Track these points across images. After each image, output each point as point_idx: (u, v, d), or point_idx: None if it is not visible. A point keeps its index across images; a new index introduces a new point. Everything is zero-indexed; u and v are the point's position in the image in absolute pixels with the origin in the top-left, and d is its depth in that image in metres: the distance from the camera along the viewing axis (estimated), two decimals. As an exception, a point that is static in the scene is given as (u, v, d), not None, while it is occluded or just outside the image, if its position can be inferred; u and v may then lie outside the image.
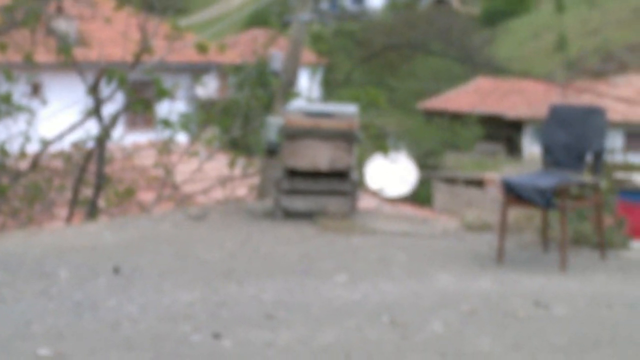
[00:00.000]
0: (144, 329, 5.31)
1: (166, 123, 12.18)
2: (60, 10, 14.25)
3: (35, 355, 4.77)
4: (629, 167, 21.49)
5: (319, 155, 8.80)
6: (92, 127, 11.74)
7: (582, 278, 6.93)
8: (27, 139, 11.51)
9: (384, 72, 46.95)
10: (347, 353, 4.91)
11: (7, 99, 11.38)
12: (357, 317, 5.62)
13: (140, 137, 15.87)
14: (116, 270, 6.54)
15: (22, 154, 11.56)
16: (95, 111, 11.62)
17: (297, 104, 9.85)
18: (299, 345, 5.05)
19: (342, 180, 8.87)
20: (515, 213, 8.46)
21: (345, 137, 8.80)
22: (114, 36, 14.47)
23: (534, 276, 6.91)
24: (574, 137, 7.49)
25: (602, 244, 7.63)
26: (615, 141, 34.95)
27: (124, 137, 12.60)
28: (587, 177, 7.41)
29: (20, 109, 11.54)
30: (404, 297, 6.15)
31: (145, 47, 12.12)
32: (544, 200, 7.06)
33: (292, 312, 5.73)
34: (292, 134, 8.82)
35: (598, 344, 5.22)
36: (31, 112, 11.60)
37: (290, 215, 8.87)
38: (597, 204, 7.51)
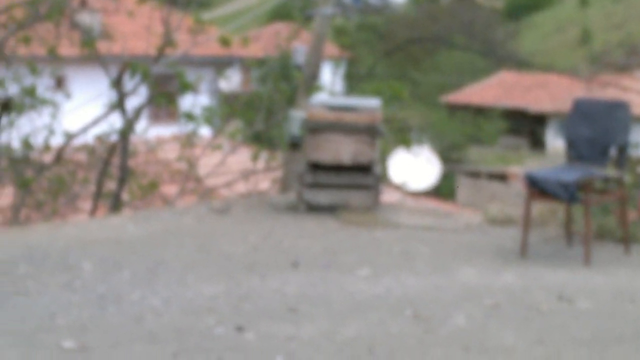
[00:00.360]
0: (168, 322, 5.32)
1: (189, 116, 12.20)
2: (84, 4, 14.30)
3: (59, 347, 4.80)
4: (654, 162, 21.37)
5: (342, 149, 8.80)
6: (115, 121, 11.78)
7: (606, 272, 6.90)
8: (51, 132, 11.55)
9: (407, 65, 46.93)
10: (370, 347, 4.92)
11: (31, 92, 11.42)
12: (380, 311, 5.63)
13: (164, 131, 15.92)
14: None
15: (46, 147, 11.61)
16: (118, 104, 11.66)
17: (320, 97, 9.86)
18: (322, 338, 5.05)
19: (365, 174, 8.87)
20: (539, 207, 8.43)
21: (368, 131, 8.79)
22: (137, 30, 14.50)
23: (558, 270, 6.89)
24: (597, 131, 7.47)
25: (626, 239, 7.59)
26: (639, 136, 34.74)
27: (147, 131, 12.63)
28: (611, 172, 7.38)
29: (44, 102, 11.58)
30: (427, 291, 6.15)
31: (168, 41, 12.14)
32: (567, 194, 7.03)
33: (315, 305, 5.73)
34: (315, 128, 8.82)
35: (621, 339, 5.20)
36: (55, 106, 11.64)
37: (313, 208, 8.87)
38: (621, 198, 7.48)
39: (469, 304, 5.82)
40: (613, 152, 7.44)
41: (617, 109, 7.51)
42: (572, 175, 7.12)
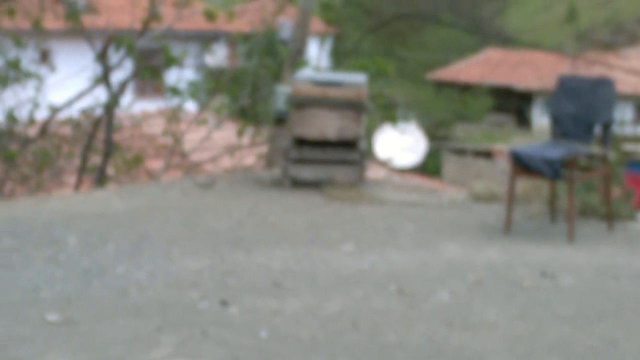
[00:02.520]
0: (152, 296, 5.33)
1: (175, 91, 12.16)
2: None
3: (43, 320, 4.80)
4: (639, 139, 21.43)
5: (327, 125, 8.79)
6: (100, 95, 11.73)
7: (589, 249, 6.93)
8: (36, 105, 11.51)
9: (393, 42, 46.86)
10: (354, 322, 4.93)
11: (15, 65, 11.38)
12: (365, 286, 5.64)
13: (149, 105, 15.87)
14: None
15: (31, 121, 11.57)
16: (103, 78, 11.62)
17: (305, 72, 9.85)
18: (306, 313, 5.06)
19: (350, 150, 8.87)
20: (523, 184, 8.45)
21: (353, 107, 8.79)
22: (122, 3, 14.46)
23: (541, 247, 6.92)
24: (582, 108, 7.47)
25: (610, 216, 7.62)
26: (625, 113, 34.88)
27: (132, 105, 12.60)
28: (595, 149, 7.40)
29: (28, 75, 11.53)
30: (411, 267, 6.17)
31: (153, 14, 12.08)
32: (551, 171, 7.05)
33: (300, 280, 5.74)
34: (301, 103, 8.81)
35: (604, 315, 5.23)
36: (40, 79, 11.59)
37: (298, 184, 8.88)
38: (605, 176, 7.50)
39: (453, 279, 5.84)
40: (598, 129, 7.46)
41: (602, 86, 7.51)
42: (556, 152, 7.13)
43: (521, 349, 4.62)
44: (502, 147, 27.22)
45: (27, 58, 11.72)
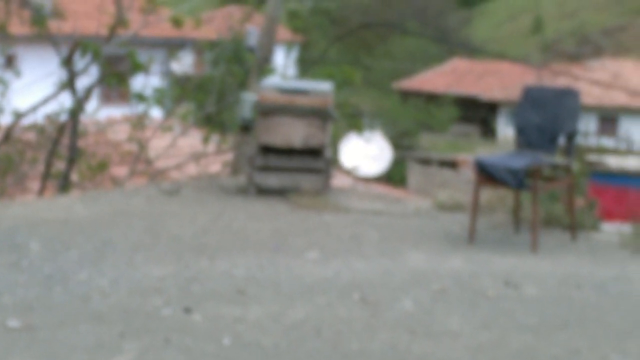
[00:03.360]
0: (115, 303, 5.30)
1: (140, 97, 12.12)
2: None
3: (4, 326, 4.76)
4: (602, 151, 21.61)
5: (293, 132, 8.79)
6: (65, 100, 11.67)
7: (553, 259, 6.97)
8: (0, 110, 11.43)
9: (359, 51, 46.99)
10: (317, 329, 4.93)
11: (-20, 69, 11.31)
12: (328, 294, 5.63)
13: (115, 112, 15.82)
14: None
15: (-5, 126, 11.50)
16: (69, 84, 11.56)
17: (271, 80, 9.84)
18: (270, 320, 5.05)
19: (316, 158, 8.87)
20: (488, 193, 8.49)
21: (319, 115, 8.79)
22: (89, 9, 14.39)
23: (505, 256, 6.95)
24: (547, 119, 7.52)
25: (573, 226, 7.67)
26: (589, 125, 35.13)
27: (98, 111, 12.54)
28: (559, 159, 7.44)
29: (-7, 80, 11.46)
30: (375, 275, 6.17)
31: (120, 20, 12.04)
32: (516, 180, 7.08)
33: (263, 288, 5.73)
34: (267, 111, 8.80)
35: (567, 324, 5.25)
36: (4, 84, 11.52)
37: (263, 191, 8.87)
38: (568, 186, 7.55)
39: (417, 288, 5.85)
40: (562, 139, 7.50)
41: (567, 96, 7.56)
42: (520, 162, 7.17)
43: (484, 358, 4.63)
44: (466, 157, 27.35)
45: (-8, 63, 11.65)
